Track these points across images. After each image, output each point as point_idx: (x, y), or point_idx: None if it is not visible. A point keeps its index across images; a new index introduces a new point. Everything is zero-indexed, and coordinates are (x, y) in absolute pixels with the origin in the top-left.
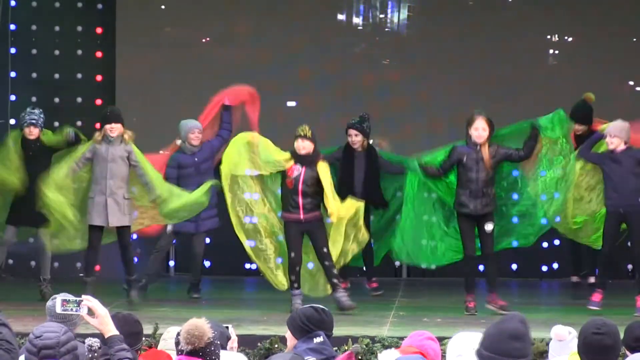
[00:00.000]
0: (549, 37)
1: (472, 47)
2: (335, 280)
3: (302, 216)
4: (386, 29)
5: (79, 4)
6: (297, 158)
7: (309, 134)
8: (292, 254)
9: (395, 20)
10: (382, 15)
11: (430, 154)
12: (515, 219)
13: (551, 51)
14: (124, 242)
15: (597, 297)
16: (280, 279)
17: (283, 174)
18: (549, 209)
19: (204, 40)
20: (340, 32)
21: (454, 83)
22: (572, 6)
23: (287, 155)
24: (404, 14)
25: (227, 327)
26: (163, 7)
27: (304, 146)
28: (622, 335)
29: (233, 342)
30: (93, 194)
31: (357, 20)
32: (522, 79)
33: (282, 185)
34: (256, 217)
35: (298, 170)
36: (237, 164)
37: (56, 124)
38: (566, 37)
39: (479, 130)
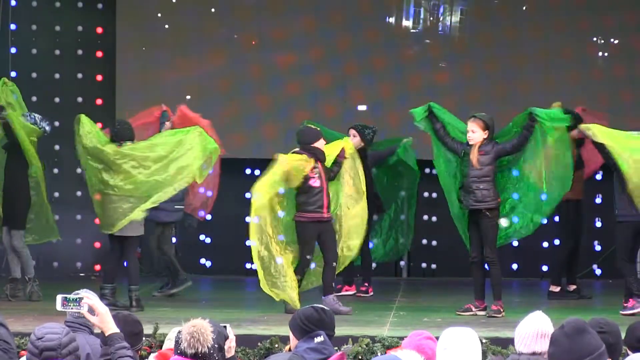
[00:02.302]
0: (594, 39)
1: (524, 50)
2: (332, 284)
3: (326, 214)
4: (439, 32)
5: (79, 4)
6: (315, 157)
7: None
8: (308, 256)
9: (448, 23)
10: (432, 19)
11: (446, 113)
12: (515, 195)
13: (600, 53)
14: (131, 250)
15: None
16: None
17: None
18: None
19: (203, 40)
20: (391, 35)
21: (506, 85)
22: (622, 9)
23: (302, 156)
24: (457, 17)
25: (224, 327)
26: (163, 6)
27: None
28: (624, 335)
29: (231, 342)
30: None
31: (407, 23)
32: (573, 81)
33: (299, 188)
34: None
35: (318, 168)
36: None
37: (57, 123)
38: (612, 39)
39: (469, 132)
